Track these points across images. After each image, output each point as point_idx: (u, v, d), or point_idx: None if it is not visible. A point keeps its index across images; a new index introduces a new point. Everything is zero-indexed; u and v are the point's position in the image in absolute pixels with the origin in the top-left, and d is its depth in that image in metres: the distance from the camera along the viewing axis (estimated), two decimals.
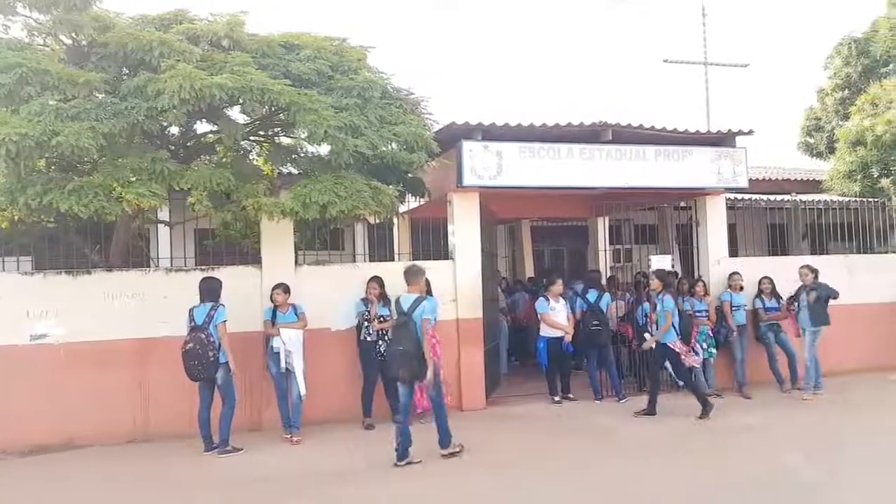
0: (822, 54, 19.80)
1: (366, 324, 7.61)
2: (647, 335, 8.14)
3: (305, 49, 7.78)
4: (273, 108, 7.33)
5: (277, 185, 8.05)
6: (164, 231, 10.76)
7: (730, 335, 8.89)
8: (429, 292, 7.82)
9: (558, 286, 8.80)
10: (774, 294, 9.13)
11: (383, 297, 7.70)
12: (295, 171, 8.41)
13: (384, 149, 7.48)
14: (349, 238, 13.40)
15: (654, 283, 8.01)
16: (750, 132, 9.20)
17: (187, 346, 6.50)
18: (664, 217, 12.45)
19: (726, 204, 9.87)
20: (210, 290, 6.75)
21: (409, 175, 8.55)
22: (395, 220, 11.05)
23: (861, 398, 8.50)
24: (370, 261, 11.29)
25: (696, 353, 8.38)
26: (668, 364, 7.94)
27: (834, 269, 9.43)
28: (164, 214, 9.71)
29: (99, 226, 7.62)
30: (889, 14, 15.35)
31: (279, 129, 8.35)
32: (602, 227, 11.38)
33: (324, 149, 7.65)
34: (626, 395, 8.64)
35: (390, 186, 7.91)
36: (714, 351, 8.87)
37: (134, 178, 6.37)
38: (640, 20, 48.55)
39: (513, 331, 11.16)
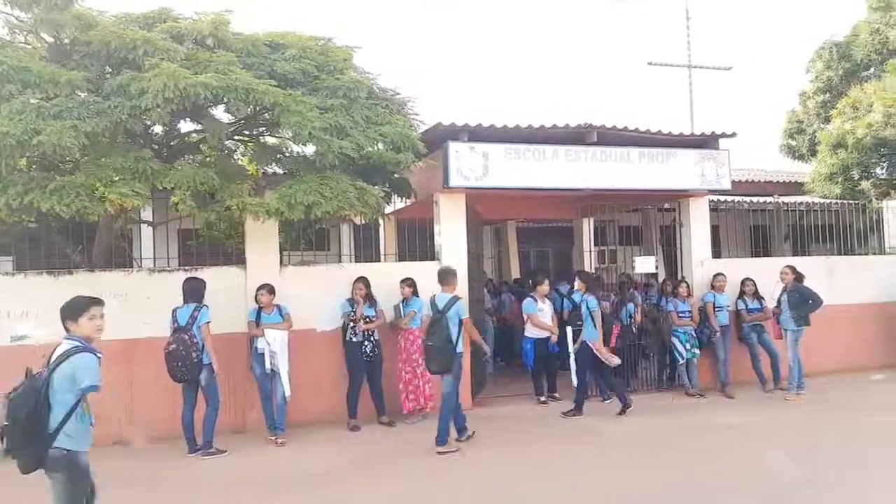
0: (804, 58, 20.09)
1: (351, 325, 7.56)
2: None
3: (291, 49, 7.75)
4: (258, 108, 7.28)
5: (262, 185, 8.00)
6: (147, 231, 10.64)
7: (713, 336, 8.97)
8: (415, 293, 7.86)
9: (545, 287, 8.87)
10: (757, 295, 9.23)
11: (369, 298, 7.67)
12: (280, 171, 8.37)
13: (370, 149, 7.47)
14: (335, 238, 13.38)
15: (578, 285, 8.29)
16: (733, 135, 9.28)
17: (170, 347, 6.45)
18: (648, 218, 12.55)
19: (710, 206, 9.96)
20: (193, 291, 6.70)
21: (396, 175, 8.54)
22: (381, 221, 11.04)
23: (842, 398, 8.60)
24: (356, 261, 11.28)
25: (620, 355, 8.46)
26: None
27: (815, 270, 9.53)
28: (147, 214, 9.59)
29: (81, 226, 7.52)
30: (869, 18, 15.56)
31: (264, 128, 8.30)
32: (587, 228, 11.43)
33: (309, 149, 7.61)
34: (610, 396, 8.68)
35: (376, 187, 7.89)
36: (697, 351, 8.96)
37: (117, 178, 6.28)
38: (639, 20, 48.76)
39: (499, 331, 11.20)
